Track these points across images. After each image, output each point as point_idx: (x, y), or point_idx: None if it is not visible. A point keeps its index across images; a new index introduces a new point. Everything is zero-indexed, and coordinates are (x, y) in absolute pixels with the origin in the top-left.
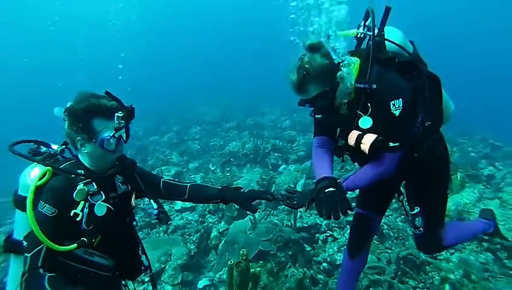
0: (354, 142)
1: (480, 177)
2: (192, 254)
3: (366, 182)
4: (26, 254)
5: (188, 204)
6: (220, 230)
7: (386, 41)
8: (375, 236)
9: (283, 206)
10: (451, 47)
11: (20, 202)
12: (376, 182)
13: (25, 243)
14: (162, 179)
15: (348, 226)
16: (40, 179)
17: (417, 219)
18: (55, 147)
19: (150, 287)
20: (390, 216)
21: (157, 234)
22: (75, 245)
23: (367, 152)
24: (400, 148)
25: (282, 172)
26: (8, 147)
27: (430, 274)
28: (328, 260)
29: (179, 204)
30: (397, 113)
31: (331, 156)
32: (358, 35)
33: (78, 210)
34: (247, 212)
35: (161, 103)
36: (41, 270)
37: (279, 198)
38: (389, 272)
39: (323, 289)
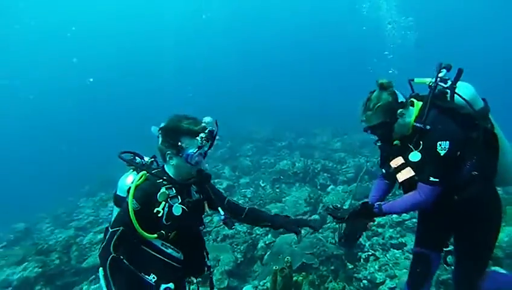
0: (395, 167)
1: None
2: (239, 262)
3: (402, 209)
4: (110, 229)
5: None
6: (267, 242)
7: (456, 94)
8: None
9: (328, 224)
10: None
11: (118, 200)
12: (412, 210)
13: (111, 219)
14: (227, 198)
15: (392, 249)
16: (138, 180)
17: (449, 256)
18: (146, 158)
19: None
20: None
21: (207, 241)
22: (155, 235)
23: (399, 181)
24: (439, 184)
25: (329, 192)
26: (117, 155)
27: None
28: (369, 277)
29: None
30: (442, 153)
31: (388, 187)
32: (431, 84)
33: (160, 208)
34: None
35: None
36: (111, 249)
37: (318, 228)
38: None
39: None
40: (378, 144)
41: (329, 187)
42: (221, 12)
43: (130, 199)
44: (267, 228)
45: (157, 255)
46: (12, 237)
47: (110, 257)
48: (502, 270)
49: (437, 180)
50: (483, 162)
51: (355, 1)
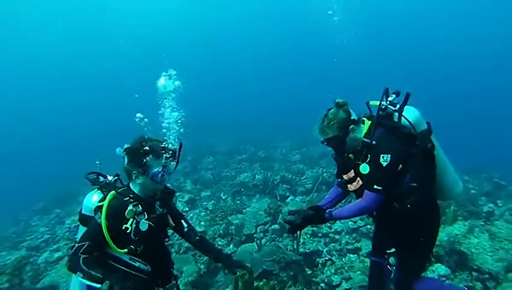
0: (347, 179)
1: (480, 213)
2: (202, 273)
3: (350, 213)
4: (75, 243)
5: (199, 228)
6: (228, 252)
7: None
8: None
9: (287, 233)
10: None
11: (84, 219)
12: (359, 215)
13: (77, 238)
14: (183, 218)
15: (348, 254)
16: (105, 200)
17: (391, 258)
18: (110, 177)
19: None
20: None
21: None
22: (125, 250)
23: (350, 191)
24: (382, 192)
25: (289, 203)
26: (84, 176)
27: None
28: (326, 281)
29: None
30: (384, 164)
31: (341, 195)
32: (382, 106)
33: (128, 225)
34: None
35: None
36: (79, 254)
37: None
38: None
39: None
40: (334, 156)
41: (289, 198)
42: None
43: (103, 217)
44: (229, 238)
45: (126, 269)
46: None
47: (81, 258)
48: (442, 267)
49: (380, 188)
50: (421, 175)
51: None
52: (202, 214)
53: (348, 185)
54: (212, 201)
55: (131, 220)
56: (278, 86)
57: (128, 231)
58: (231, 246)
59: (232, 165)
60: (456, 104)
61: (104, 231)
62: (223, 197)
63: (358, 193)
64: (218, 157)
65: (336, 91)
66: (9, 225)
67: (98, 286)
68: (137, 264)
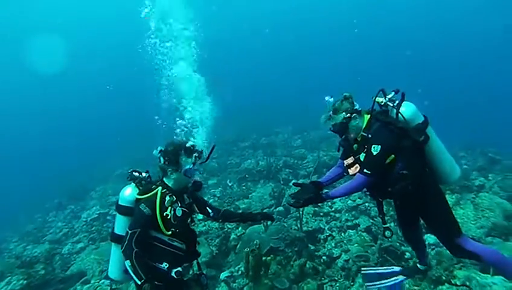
0: (347, 164)
1: (472, 187)
2: (214, 254)
3: (344, 192)
4: (128, 230)
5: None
6: (238, 234)
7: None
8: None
9: (292, 213)
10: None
11: (122, 210)
12: (350, 193)
13: (116, 226)
14: (207, 203)
15: (348, 230)
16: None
17: (387, 231)
18: (143, 173)
19: None
20: (377, 218)
21: None
22: (169, 232)
23: (350, 174)
24: (370, 176)
25: (291, 186)
26: (127, 174)
27: (408, 261)
28: (327, 253)
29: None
30: (374, 153)
31: (340, 174)
32: (381, 103)
33: (168, 212)
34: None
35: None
36: (133, 245)
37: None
38: (373, 259)
39: (322, 275)
40: (340, 142)
41: (291, 181)
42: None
43: (158, 206)
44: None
45: (167, 248)
46: None
47: (134, 251)
48: (432, 237)
49: (369, 172)
50: (412, 164)
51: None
52: (211, 201)
53: (349, 170)
54: (219, 188)
55: (169, 208)
56: (279, 72)
57: (168, 217)
58: (240, 228)
59: (236, 152)
60: (457, 85)
61: (158, 217)
62: (230, 184)
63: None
64: (222, 146)
65: (337, 78)
66: (25, 222)
67: (136, 280)
68: (175, 243)
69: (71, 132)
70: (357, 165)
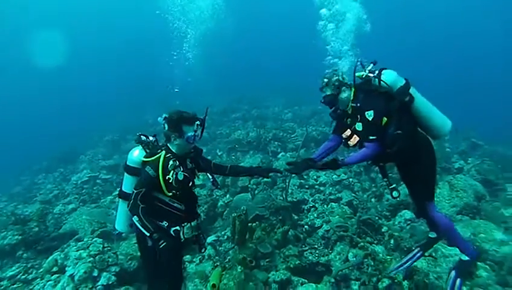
0: (345, 137)
1: (451, 169)
2: (202, 219)
3: (358, 160)
4: (134, 190)
5: (199, 181)
6: (226, 201)
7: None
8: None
9: (278, 185)
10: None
11: (130, 170)
12: (364, 160)
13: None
14: (213, 162)
15: (331, 203)
16: (153, 156)
17: (394, 192)
18: (150, 137)
19: None
20: (359, 192)
21: None
22: (170, 194)
23: (351, 146)
24: (376, 140)
25: (279, 158)
26: (136, 134)
27: (384, 234)
28: (309, 223)
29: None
30: (370, 118)
31: (331, 147)
32: (362, 76)
33: (170, 175)
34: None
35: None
36: (139, 202)
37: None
38: (352, 230)
39: (303, 243)
40: (331, 114)
41: (280, 154)
42: None
43: (160, 169)
44: (226, 189)
45: (167, 208)
46: None
47: (140, 207)
48: (408, 213)
49: (374, 137)
50: (403, 123)
51: None
52: None
53: (348, 142)
54: (209, 157)
55: (172, 172)
56: (272, 46)
57: (170, 181)
58: (227, 196)
59: (226, 123)
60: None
61: (160, 179)
62: (219, 154)
63: (359, 145)
64: (213, 117)
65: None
66: (13, 184)
67: (145, 231)
68: (175, 204)
69: (63, 97)
70: (355, 136)
